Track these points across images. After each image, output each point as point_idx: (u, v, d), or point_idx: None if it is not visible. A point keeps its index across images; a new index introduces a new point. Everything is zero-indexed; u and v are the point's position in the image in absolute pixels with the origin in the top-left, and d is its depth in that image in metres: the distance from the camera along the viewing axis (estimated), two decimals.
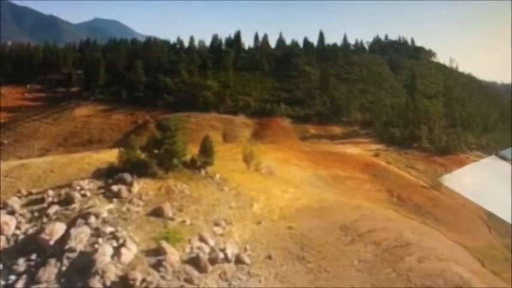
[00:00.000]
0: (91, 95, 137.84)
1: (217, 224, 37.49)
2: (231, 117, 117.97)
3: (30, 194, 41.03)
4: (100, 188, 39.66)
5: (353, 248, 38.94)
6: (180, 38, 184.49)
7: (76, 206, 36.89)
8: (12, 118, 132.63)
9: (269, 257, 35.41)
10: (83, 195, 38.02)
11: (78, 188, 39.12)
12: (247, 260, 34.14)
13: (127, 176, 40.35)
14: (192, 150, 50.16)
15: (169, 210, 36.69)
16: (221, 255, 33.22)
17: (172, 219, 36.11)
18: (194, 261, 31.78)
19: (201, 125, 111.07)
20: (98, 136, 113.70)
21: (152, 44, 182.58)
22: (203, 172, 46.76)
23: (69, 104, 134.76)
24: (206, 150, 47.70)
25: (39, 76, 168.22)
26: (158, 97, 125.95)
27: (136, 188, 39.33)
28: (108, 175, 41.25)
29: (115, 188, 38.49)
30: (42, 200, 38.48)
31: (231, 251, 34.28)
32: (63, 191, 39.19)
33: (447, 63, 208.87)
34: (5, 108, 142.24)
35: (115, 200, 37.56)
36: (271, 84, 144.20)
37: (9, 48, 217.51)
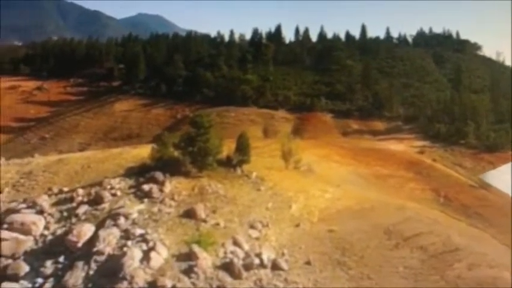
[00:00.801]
0: (131, 90, 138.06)
1: (252, 227, 35.47)
2: (270, 112, 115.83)
3: (60, 192, 39.78)
4: (130, 187, 38.17)
5: (397, 253, 36.34)
6: (221, 32, 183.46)
7: (106, 206, 35.47)
8: (54, 112, 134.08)
9: (308, 263, 33.17)
10: (114, 195, 36.57)
11: (108, 187, 37.72)
12: (284, 265, 31.95)
13: (159, 175, 38.72)
14: (231, 146, 48.41)
15: (202, 212, 34.85)
16: (256, 260, 31.15)
17: (205, 221, 34.28)
18: (227, 267, 29.79)
19: (240, 120, 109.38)
20: (138, 131, 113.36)
21: (192, 38, 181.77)
22: (239, 171, 44.81)
23: (109, 98, 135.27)
24: (242, 148, 45.77)
25: (83, 70, 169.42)
26: (197, 91, 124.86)
27: (168, 187, 37.67)
28: (140, 173, 39.70)
29: (146, 187, 36.93)
30: (71, 199, 37.18)
31: (267, 256, 32.17)
32: (93, 190, 37.83)
33: (493, 57, 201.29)
34: (47, 102, 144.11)
35: (145, 200, 36.02)
36: (311, 78, 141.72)
37: (54, 43, 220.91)
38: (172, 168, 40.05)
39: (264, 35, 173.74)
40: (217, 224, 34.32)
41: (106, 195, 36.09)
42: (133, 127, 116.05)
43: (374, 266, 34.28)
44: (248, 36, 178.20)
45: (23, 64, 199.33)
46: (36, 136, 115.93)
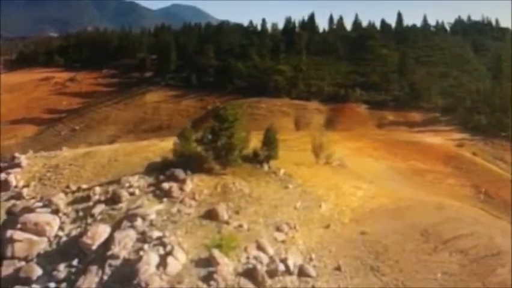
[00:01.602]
0: (162, 81, 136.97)
1: (278, 229, 33.15)
2: (303, 103, 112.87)
3: (78, 190, 38.16)
4: (150, 185, 36.25)
5: (435, 257, 33.66)
6: (253, 21, 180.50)
7: (123, 205, 33.72)
8: (86, 104, 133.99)
9: (338, 268, 30.83)
10: (132, 194, 34.73)
11: (127, 185, 35.85)
12: (312, 271, 29.68)
13: (180, 173, 36.65)
14: (261, 139, 46.14)
15: (224, 213, 32.72)
16: (281, 266, 28.97)
17: (227, 222, 32.14)
18: (250, 274, 27.80)
19: (271, 111, 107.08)
20: (168, 122, 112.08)
21: (223, 28, 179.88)
22: (266, 167, 42.37)
23: (140, 89, 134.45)
24: (269, 142, 43.26)
25: (115, 61, 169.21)
26: (228, 82, 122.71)
27: (189, 186, 35.58)
28: (161, 170, 37.73)
29: (165, 185, 34.96)
30: (88, 198, 35.48)
31: (294, 261, 29.92)
32: (111, 188, 36.08)
33: None
34: (78, 93, 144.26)
35: (165, 199, 34.13)
36: (345, 68, 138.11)
37: (87, 34, 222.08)
38: (194, 164, 37.94)
39: (297, 24, 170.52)
40: (240, 226, 32.17)
41: (124, 194, 34.29)
42: (163, 118, 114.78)
43: (409, 271, 31.80)
44: (281, 25, 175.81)
45: (57, 55, 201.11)
46: (66, 128, 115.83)
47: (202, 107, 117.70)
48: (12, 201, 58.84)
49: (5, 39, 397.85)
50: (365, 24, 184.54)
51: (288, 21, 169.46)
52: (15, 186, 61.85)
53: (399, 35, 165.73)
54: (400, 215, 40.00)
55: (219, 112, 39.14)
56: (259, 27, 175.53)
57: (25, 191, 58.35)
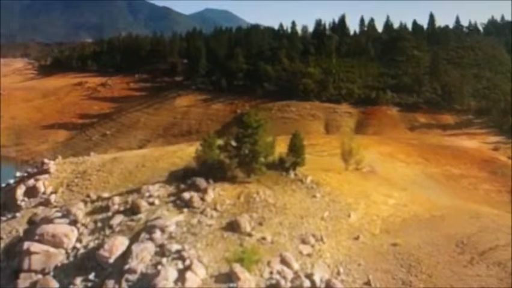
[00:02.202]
0: (192, 85, 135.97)
1: (304, 241, 31.12)
2: (333, 106, 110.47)
3: (98, 199, 36.75)
4: (170, 194, 34.58)
5: (471, 270, 31.31)
6: (283, 24, 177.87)
7: (142, 216, 32.16)
8: (117, 108, 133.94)
9: (367, 283, 28.83)
10: (151, 204, 33.13)
11: (147, 194, 34.25)
12: (339, 286, 27.55)
13: (201, 181, 34.89)
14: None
15: (247, 224, 30.88)
16: (307, 282, 27.20)
17: (250, 235, 30.25)
18: None
19: (301, 115, 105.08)
20: (197, 127, 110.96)
21: (253, 31, 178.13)
22: (292, 174, 40.23)
23: (170, 93, 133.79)
24: (296, 148, 41.15)
25: (147, 66, 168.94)
26: (258, 85, 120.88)
27: (210, 195, 33.79)
28: (183, 178, 36.02)
29: (186, 195, 33.23)
30: (107, 208, 34.01)
31: (320, 276, 28.01)
32: (130, 198, 34.55)
33: None
34: (110, 98, 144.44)
35: (185, 210, 32.42)
36: (377, 70, 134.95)
37: (120, 39, 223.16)
38: (216, 172, 36.16)
39: (327, 26, 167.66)
40: (264, 239, 30.22)
41: (143, 204, 32.72)
42: (193, 123, 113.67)
43: (444, 285, 29.47)
44: (311, 27, 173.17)
45: (90, 61, 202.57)
46: (97, 133, 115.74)
47: (232, 110, 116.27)
48: (41, 208, 57.88)
49: (42, 45, 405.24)
50: (396, 25, 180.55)
51: (318, 23, 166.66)
52: (44, 193, 60.94)
53: (431, 36, 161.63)
54: (434, 225, 37.57)
55: (243, 118, 37.29)
56: (289, 30, 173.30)
57: (53, 197, 57.35)
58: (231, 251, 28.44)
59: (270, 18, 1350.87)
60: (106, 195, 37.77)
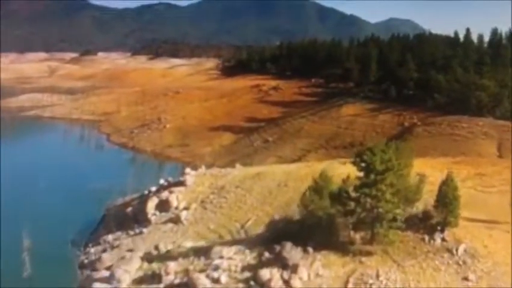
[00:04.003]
0: (361, 92, 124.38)
1: None
2: (508, 124, 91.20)
3: (150, 259, 28.45)
4: (245, 267, 24.77)
5: None
6: (457, 32, 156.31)
7: None
8: (284, 113, 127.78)
9: None
10: (215, 281, 23.56)
11: (215, 262, 24.90)
12: None
13: (293, 252, 24.54)
14: (460, 170, 32.00)
15: None
16: None
17: None
18: None
19: (472, 132, 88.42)
20: (361, 139, 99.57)
21: (427, 38, 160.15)
22: (438, 239, 28.00)
23: (338, 101, 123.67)
24: (447, 200, 28.78)
25: (325, 70, 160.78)
26: (428, 96, 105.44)
27: (302, 276, 23.25)
28: (273, 239, 26.10)
29: (265, 273, 23.11)
30: (159, 278, 25.44)
31: None
32: (192, 264, 25.63)
33: None
34: (280, 102, 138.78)
35: None
36: None
37: (298, 43, 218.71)
38: (321, 234, 25.57)
39: (503, 35, 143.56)
40: None
41: (203, 281, 23.32)
42: (356, 134, 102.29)
43: None
44: (487, 36, 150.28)
45: (269, 63, 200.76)
46: (260, 138, 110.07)
47: (399, 123, 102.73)
48: (170, 225, 52.77)
49: (234, 47, 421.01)
50: None
51: (495, 32, 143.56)
52: (176, 208, 55.90)
53: None
54: None
55: (363, 156, 26.18)
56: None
57: (184, 214, 52.21)
58: None
59: (452, 28, 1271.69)
60: (170, 246, 29.12)
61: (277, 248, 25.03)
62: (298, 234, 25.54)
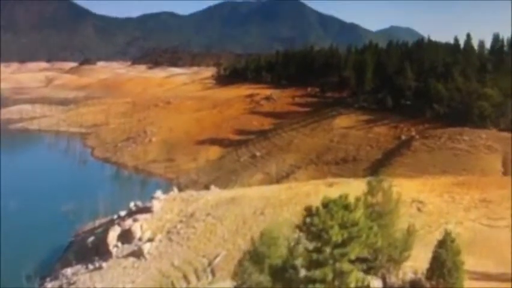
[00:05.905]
0: (355, 102, 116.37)
1: None
2: None
3: None
4: None
5: None
6: (457, 38, 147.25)
7: None
8: (275, 125, 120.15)
9: None
10: None
11: None
12: None
13: None
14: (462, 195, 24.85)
15: None
16: None
17: None
18: None
19: (474, 146, 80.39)
20: (354, 153, 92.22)
21: (425, 44, 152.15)
22: None
23: (331, 112, 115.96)
24: (443, 268, 20.72)
25: (322, 79, 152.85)
26: (427, 106, 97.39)
27: None
28: None
29: None
30: None
31: None
32: None
33: None
34: (271, 113, 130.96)
35: None
36: None
37: (295, 51, 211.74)
38: None
39: (505, 42, 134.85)
40: None
41: None
42: (350, 148, 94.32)
43: None
44: (488, 43, 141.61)
45: (264, 71, 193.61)
46: (248, 153, 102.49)
47: (395, 136, 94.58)
48: (131, 260, 46.74)
49: (234, 55, 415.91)
50: None
51: (496, 38, 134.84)
52: (139, 239, 49.30)
53: None
54: None
55: (312, 219, 17.66)
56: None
57: (147, 246, 45.68)
58: None
59: (449, 35, 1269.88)
60: None
61: None
62: None
